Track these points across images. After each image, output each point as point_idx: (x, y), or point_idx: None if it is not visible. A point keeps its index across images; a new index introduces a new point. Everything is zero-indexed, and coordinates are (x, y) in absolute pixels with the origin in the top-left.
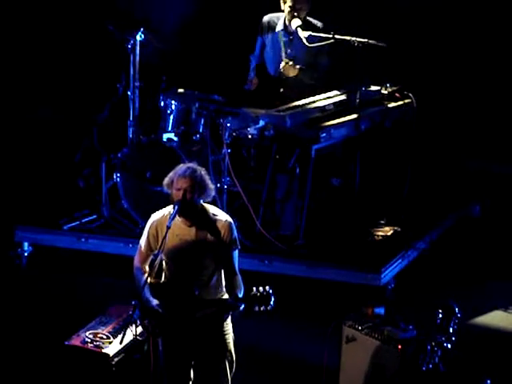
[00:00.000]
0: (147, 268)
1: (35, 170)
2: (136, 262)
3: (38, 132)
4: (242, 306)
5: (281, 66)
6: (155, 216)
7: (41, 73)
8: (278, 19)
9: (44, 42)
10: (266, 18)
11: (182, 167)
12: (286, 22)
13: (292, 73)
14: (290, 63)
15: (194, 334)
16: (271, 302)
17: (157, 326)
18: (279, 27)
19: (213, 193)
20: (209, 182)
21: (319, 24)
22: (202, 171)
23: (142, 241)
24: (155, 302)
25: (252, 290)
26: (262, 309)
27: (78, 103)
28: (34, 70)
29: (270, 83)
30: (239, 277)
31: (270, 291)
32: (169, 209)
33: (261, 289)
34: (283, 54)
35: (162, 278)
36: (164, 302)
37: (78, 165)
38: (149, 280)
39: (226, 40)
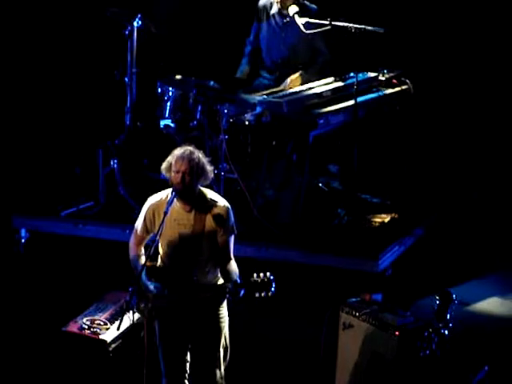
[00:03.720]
0: (143, 250)
1: (32, 157)
2: (131, 244)
3: (35, 119)
4: (242, 292)
5: (286, 86)
6: (152, 199)
7: (36, 60)
8: (274, 4)
9: (40, 29)
10: (261, 2)
11: (179, 150)
12: (278, 6)
13: (296, 83)
14: (292, 78)
15: (190, 317)
16: (272, 288)
17: (152, 309)
18: (273, 10)
19: (211, 175)
20: (207, 164)
21: (314, 8)
22: (200, 153)
23: (138, 224)
24: (152, 285)
25: (253, 275)
26: (262, 295)
27: (75, 90)
28: (30, 58)
29: (264, 67)
30: (234, 262)
31: (271, 277)
32: (166, 192)
33: (261, 275)
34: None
35: (158, 262)
36: (161, 285)
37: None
38: (146, 264)
39: (223, 25)
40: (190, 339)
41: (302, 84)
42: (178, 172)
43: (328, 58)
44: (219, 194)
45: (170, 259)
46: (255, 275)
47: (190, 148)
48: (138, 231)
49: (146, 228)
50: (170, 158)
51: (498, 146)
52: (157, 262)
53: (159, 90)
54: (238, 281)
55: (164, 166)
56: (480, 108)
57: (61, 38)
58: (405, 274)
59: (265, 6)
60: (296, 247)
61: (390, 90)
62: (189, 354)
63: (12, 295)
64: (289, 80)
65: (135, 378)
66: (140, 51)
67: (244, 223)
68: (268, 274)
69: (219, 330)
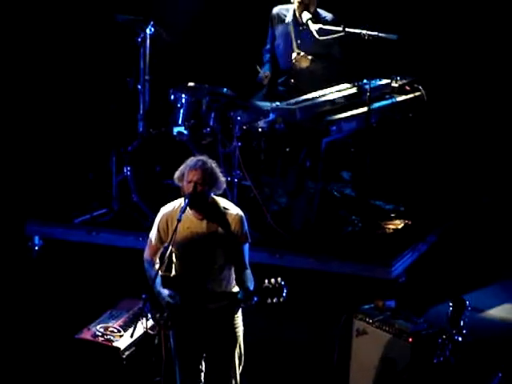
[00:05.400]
0: (158, 260)
1: (46, 164)
2: (146, 254)
3: (49, 126)
4: (255, 300)
5: (293, 57)
6: (165, 209)
7: (49, 68)
8: (288, 11)
9: (54, 37)
10: (275, 10)
11: (192, 160)
12: (296, 14)
13: (304, 63)
14: (302, 54)
15: (205, 326)
16: (283, 294)
17: (169, 319)
18: (289, 19)
19: (224, 185)
20: (219, 174)
21: (329, 16)
22: (213, 164)
23: (152, 234)
24: (167, 293)
25: (264, 282)
26: (274, 301)
27: (88, 97)
28: (43, 65)
29: (280, 75)
30: (250, 270)
31: (282, 283)
32: (179, 201)
33: (273, 281)
34: (294, 44)
35: (173, 271)
36: (174, 293)
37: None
38: (160, 273)
39: (236, 33)
40: (205, 348)
41: (307, 66)
42: (190, 182)
43: (340, 66)
44: (232, 200)
45: (184, 268)
46: (266, 281)
47: (203, 158)
48: (153, 242)
49: (161, 238)
50: (183, 168)
51: (509, 152)
52: (171, 272)
53: (172, 97)
54: (251, 289)
55: (177, 175)
56: (492, 115)
57: (74, 45)
58: (418, 280)
59: (278, 14)
60: (309, 254)
61: (402, 97)
62: (204, 363)
63: (26, 302)
64: (298, 57)
65: None
66: (153, 58)
67: (257, 230)
68: (279, 279)
69: (234, 339)
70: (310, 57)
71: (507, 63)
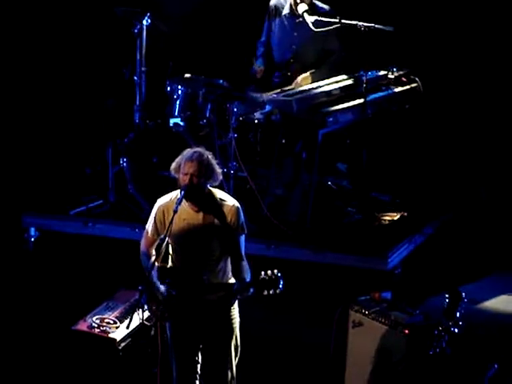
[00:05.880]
0: (154, 252)
1: (42, 156)
2: (142, 246)
3: (45, 118)
4: (252, 291)
5: (294, 84)
6: (161, 200)
7: (45, 59)
8: (286, 3)
9: (50, 28)
10: (272, 2)
11: (189, 151)
12: (293, 6)
13: (305, 82)
14: (301, 77)
15: (201, 317)
16: (280, 286)
17: (165, 310)
18: (285, 11)
19: (220, 177)
20: (216, 166)
21: (326, 8)
22: (209, 155)
23: (149, 225)
24: (163, 287)
25: (260, 273)
26: (270, 292)
27: (84, 88)
28: (39, 57)
29: (275, 69)
30: (246, 262)
31: (279, 274)
32: (175, 193)
33: (269, 272)
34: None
35: (169, 263)
36: (172, 286)
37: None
38: (156, 264)
39: (233, 23)
40: (201, 340)
41: (311, 83)
42: (186, 174)
43: (340, 58)
44: (229, 192)
45: (180, 259)
46: (263, 273)
47: (200, 150)
48: (149, 233)
49: (157, 230)
50: (179, 159)
51: (506, 143)
52: (167, 263)
53: (168, 88)
54: (247, 280)
55: (173, 166)
56: (489, 107)
57: (70, 36)
58: (414, 272)
59: (276, 6)
60: (305, 245)
61: (399, 88)
62: (200, 354)
63: (22, 294)
64: (299, 79)
65: (145, 376)
66: (149, 50)
67: (253, 221)
68: (275, 271)
69: (231, 330)
70: (308, 73)
71: (503, 55)
